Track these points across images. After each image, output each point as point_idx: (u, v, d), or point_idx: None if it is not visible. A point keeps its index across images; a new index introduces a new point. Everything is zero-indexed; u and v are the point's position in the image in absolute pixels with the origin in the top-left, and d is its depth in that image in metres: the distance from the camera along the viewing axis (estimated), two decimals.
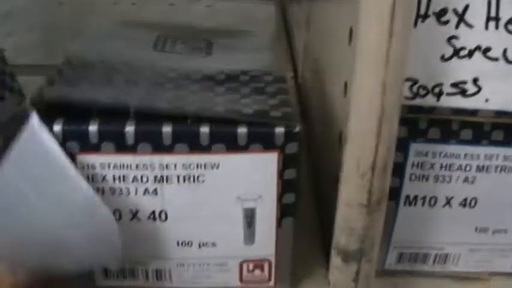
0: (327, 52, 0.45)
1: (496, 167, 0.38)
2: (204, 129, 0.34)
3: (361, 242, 0.33)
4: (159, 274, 0.38)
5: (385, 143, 0.31)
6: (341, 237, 0.33)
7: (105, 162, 0.34)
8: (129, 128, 0.34)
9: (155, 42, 0.44)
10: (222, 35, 0.47)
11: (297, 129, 0.34)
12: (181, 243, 0.37)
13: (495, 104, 0.35)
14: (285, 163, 0.34)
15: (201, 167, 0.34)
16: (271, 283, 0.38)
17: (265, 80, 0.39)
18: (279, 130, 0.34)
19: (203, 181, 0.35)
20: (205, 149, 0.34)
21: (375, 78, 0.30)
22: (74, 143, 0.34)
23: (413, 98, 0.35)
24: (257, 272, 0.38)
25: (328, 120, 0.40)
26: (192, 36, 0.47)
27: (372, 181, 0.32)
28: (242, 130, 0.34)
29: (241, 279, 0.38)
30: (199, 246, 0.37)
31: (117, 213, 0.36)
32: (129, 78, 0.38)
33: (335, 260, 0.34)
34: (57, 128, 0.34)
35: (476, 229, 0.40)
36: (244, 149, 0.34)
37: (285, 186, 0.35)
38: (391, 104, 0.30)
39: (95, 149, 0.34)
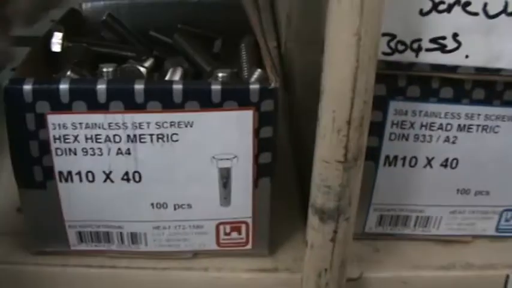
0: (309, 18, 0.44)
1: (478, 126, 0.37)
2: (177, 86, 0.33)
3: (338, 200, 0.32)
4: (134, 237, 0.37)
5: (361, 97, 0.30)
6: (318, 195, 0.32)
7: (77, 121, 0.34)
8: (101, 86, 0.33)
9: None
10: None
11: (273, 85, 0.33)
12: (156, 205, 0.36)
13: (475, 61, 0.34)
14: (261, 121, 0.34)
15: (174, 125, 0.34)
16: (249, 245, 0.38)
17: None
18: (254, 87, 0.33)
19: (177, 140, 0.34)
20: (179, 107, 0.33)
21: (349, 29, 0.29)
22: (45, 102, 0.33)
23: (391, 53, 0.34)
24: (234, 234, 0.37)
25: (310, 85, 0.39)
26: None
27: (348, 136, 0.31)
28: (216, 87, 0.33)
29: (218, 242, 0.37)
30: (175, 208, 0.36)
31: (90, 175, 0.35)
32: None
33: (312, 219, 0.33)
34: (27, 87, 0.33)
35: (457, 191, 0.39)
36: (218, 106, 0.33)
37: (261, 145, 0.34)
38: (367, 55, 0.29)
39: (66, 108, 0.33)
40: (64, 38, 0.39)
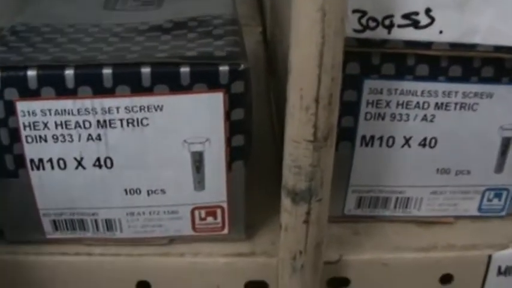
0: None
1: (455, 104, 0.36)
2: (146, 70, 0.32)
3: (310, 180, 0.32)
4: (109, 224, 0.37)
5: (329, 73, 0.29)
6: (289, 177, 0.32)
7: (46, 108, 0.33)
8: (69, 72, 0.32)
9: (106, 2, 0.43)
10: None
11: (242, 67, 0.33)
12: (130, 191, 0.36)
13: (450, 36, 0.34)
14: (232, 103, 0.33)
15: (144, 109, 0.33)
16: (225, 230, 0.37)
17: (214, 23, 0.37)
18: (223, 68, 0.32)
19: (147, 124, 0.33)
20: (148, 91, 0.33)
21: (313, 4, 0.28)
22: (13, 89, 0.33)
23: (362, 30, 0.33)
24: (210, 219, 0.37)
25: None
26: None
27: (316, 115, 0.30)
28: (185, 69, 0.32)
29: (193, 227, 0.37)
30: (148, 194, 0.36)
31: (62, 162, 0.35)
32: (72, 38, 0.37)
33: (285, 201, 0.33)
34: None
35: (437, 170, 0.38)
36: (188, 89, 0.33)
37: (233, 127, 0.34)
38: (332, 31, 0.29)
39: (35, 94, 0.33)
40: None
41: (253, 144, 0.42)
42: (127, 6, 0.42)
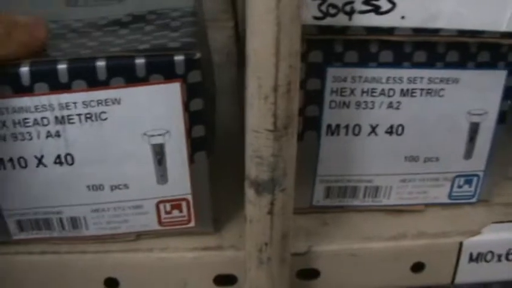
0: None
1: (421, 90, 0.36)
2: (101, 63, 0.32)
3: (272, 170, 0.31)
4: (74, 222, 0.36)
5: (286, 61, 0.29)
6: (251, 167, 0.31)
7: (3, 106, 0.33)
8: (24, 69, 0.32)
9: None
10: None
11: (197, 56, 0.32)
12: (92, 187, 0.35)
13: (412, 21, 0.33)
14: (190, 93, 0.33)
15: (101, 103, 0.33)
16: (192, 223, 0.37)
17: (172, 15, 0.37)
18: (178, 58, 0.32)
19: (106, 118, 0.33)
20: (104, 84, 0.32)
21: None
22: None
23: (323, 17, 0.33)
24: (175, 212, 0.36)
25: None
26: None
27: (275, 104, 0.30)
28: (140, 61, 0.32)
29: (159, 222, 0.36)
30: (112, 189, 0.35)
31: (22, 161, 0.34)
32: None
33: (249, 192, 0.32)
34: None
35: (405, 158, 0.38)
36: (144, 81, 0.32)
37: (192, 118, 0.33)
38: (288, 18, 0.28)
39: None
40: None
41: (222, 137, 0.41)
42: (90, 2, 0.41)
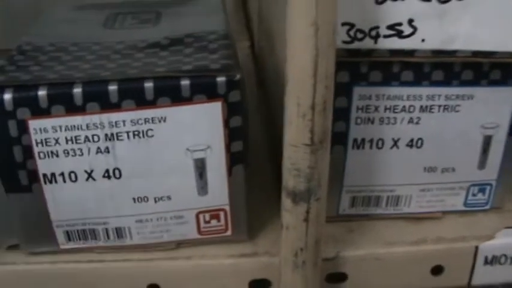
0: (274, 16, 0.46)
1: (439, 106, 0.39)
2: (149, 84, 0.35)
3: (308, 181, 0.34)
4: (119, 232, 0.39)
5: (323, 82, 0.32)
6: (289, 179, 0.34)
7: (56, 125, 0.35)
8: (77, 90, 0.35)
9: (105, 21, 0.45)
10: (170, 4, 0.48)
11: (238, 77, 0.35)
12: (138, 199, 0.38)
13: (431, 44, 0.36)
14: (230, 111, 0.36)
15: (148, 121, 0.35)
16: (229, 232, 0.39)
17: (209, 38, 0.40)
18: (221, 79, 0.35)
19: (152, 136, 0.36)
20: (151, 103, 0.35)
21: (307, 19, 0.31)
22: (25, 109, 0.35)
23: (351, 41, 0.36)
24: (214, 222, 0.39)
25: (279, 80, 0.41)
26: (141, 10, 0.47)
27: (313, 120, 0.33)
28: (185, 82, 0.35)
29: (199, 231, 0.39)
30: (155, 201, 0.38)
31: (73, 175, 0.37)
32: (76, 56, 0.39)
33: (285, 202, 0.35)
34: (7, 96, 0.34)
35: (424, 169, 0.41)
36: (188, 100, 0.35)
37: (232, 134, 0.36)
38: (325, 43, 0.31)
39: (46, 113, 0.35)
40: None
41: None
42: (126, 24, 0.44)
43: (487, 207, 0.43)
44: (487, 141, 0.40)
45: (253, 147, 0.46)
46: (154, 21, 0.45)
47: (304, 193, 0.35)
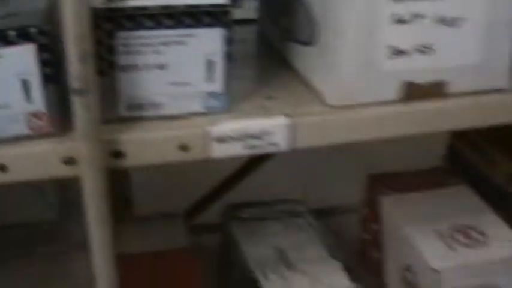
0: None
1: (173, 42, 0.63)
2: None
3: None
4: None
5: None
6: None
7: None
8: None
9: None
10: None
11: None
12: None
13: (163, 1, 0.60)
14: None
15: None
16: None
17: None
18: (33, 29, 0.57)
19: None
20: None
21: None
22: None
23: (110, 2, 0.59)
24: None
25: None
26: None
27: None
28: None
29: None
30: None
31: None
32: None
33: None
34: None
35: (170, 83, 0.64)
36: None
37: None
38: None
39: None
40: None
41: None
42: None
43: (222, 109, 0.67)
44: (210, 64, 0.64)
45: None
46: None
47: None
